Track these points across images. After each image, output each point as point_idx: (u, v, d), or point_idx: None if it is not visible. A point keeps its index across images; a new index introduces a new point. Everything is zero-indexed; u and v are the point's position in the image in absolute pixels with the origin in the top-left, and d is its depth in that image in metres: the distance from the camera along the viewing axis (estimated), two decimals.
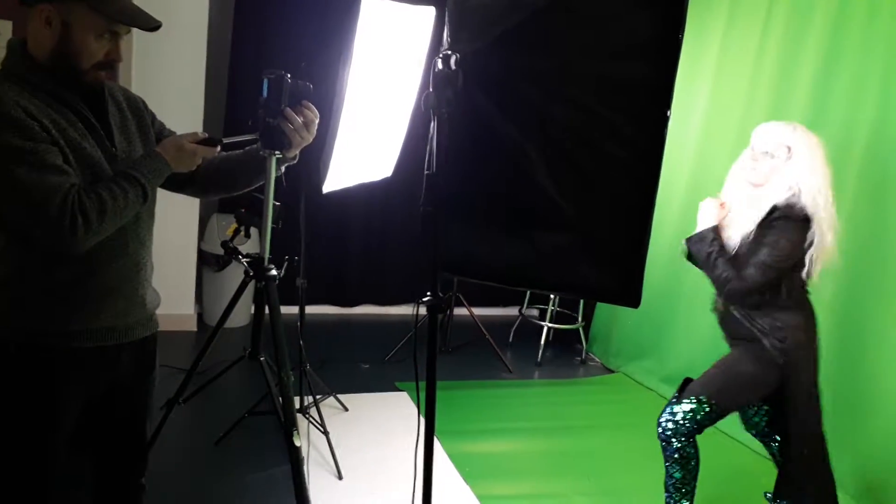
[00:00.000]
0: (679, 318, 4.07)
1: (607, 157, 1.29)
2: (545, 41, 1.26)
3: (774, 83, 3.56)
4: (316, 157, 2.53)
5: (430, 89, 1.24)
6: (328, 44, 4.04)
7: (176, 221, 4.00)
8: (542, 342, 4.56)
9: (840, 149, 2.95)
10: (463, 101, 1.25)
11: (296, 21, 4.24)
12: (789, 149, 2.26)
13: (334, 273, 4.77)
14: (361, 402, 3.52)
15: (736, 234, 2.31)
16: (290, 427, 1.98)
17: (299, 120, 1.78)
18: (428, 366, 1.34)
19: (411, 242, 4.73)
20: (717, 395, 2.33)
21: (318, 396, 3.14)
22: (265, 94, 1.81)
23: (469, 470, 3.00)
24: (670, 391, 3.98)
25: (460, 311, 4.64)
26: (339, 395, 3.47)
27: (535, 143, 1.27)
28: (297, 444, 1.98)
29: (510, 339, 4.85)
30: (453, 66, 1.24)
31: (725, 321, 2.44)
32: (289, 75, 1.81)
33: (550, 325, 4.66)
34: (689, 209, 4.09)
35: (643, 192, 1.30)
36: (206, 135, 1.65)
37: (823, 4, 3.32)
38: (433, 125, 1.27)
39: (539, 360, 4.53)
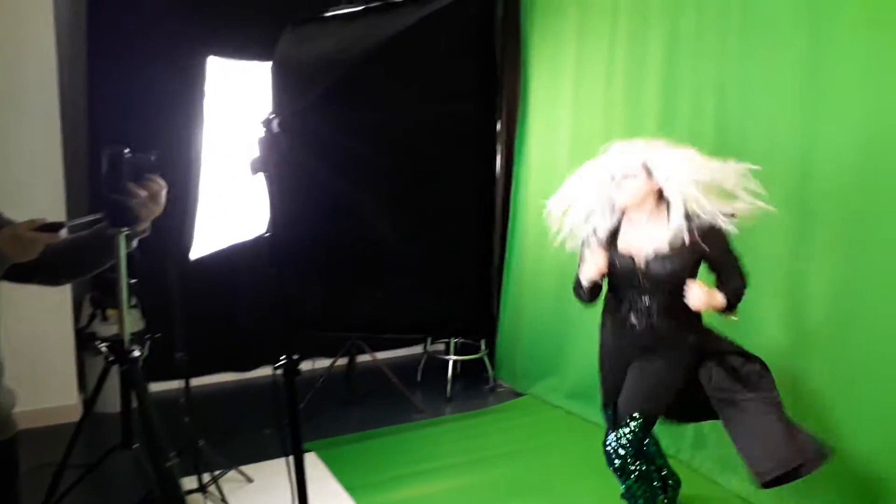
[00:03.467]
0: (574, 333, 4.19)
1: (442, 198, 1.32)
2: (366, 94, 1.28)
3: (626, 101, 3.78)
4: (182, 224, 2.46)
5: (256, 154, 1.23)
6: (184, 105, 3.96)
7: (47, 306, 3.75)
8: (450, 376, 4.56)
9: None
10: (293, 162, 1.25)
11: (151, 83, 4.12)
12: (646, 166, 2.40)
13: (226, 338, 4.59)
14: (267, 471, 3.37)
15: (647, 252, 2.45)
16: None
17: (143, 193, 1.73)
18: (292, 432, 1.30)
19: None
20: (650, 407, 2.47)
21: (216, 472, 2.99)
22: (104, 170, 1.75)
23: None
24: (577, 406, 4.10)
25: (365, 358, 4.57)
26: (241, 467, 3.31)
27: (369, 194, 1.28)
28: None
29: (419, 378, 4.82)
30: (276, 130, 1.23)
31: (643, 335, 2.52)
32: (127, 149, 1.75)
33: (455, 357, 4.67)
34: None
35: (481, 227, 1.33)
36: (46, 220, 1.57)
37: (657, 24, 3.57)
38: (266, 188, 1.26)
39: (449, 394, 4.53)
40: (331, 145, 1.28)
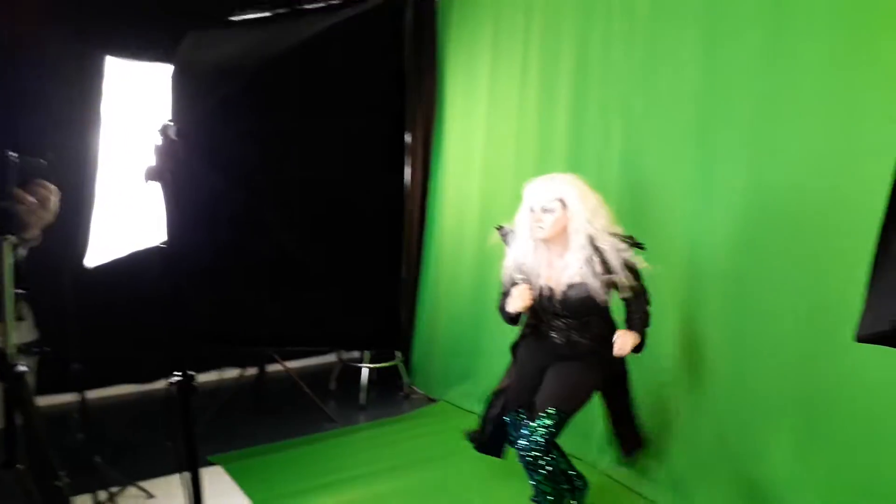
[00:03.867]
0: (489, 339, 4.25)
1: (349, 209, 1.32)
2: (270, 102, 1.26)
3: (539, 112, 3.89)
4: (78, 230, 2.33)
5: (152, 162, 1.19)
6: (80, 107, 3.76)
7: None
8: (364, 384, 4.53)
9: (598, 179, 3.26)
10: (190, 171, 1.21)
11: (46, 84, 3.89)
12: (562, 200, 2.56)
13: (124, 349, 4.36)
14: (169, 486, 3.24)
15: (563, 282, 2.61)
16: None
17: (32, 199, 1.64)
18: (187, 449, 1.26)
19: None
20: (566, 404, 2.59)
21: (113, 489, 2.85)
22: None
23: None
24: None
25: (276, 367, 4.47)
26: (141, 482, 3.17)
27: (271, 206, 1.26)
28: None
29: (332, 387, 4.76)
30: (173, 137, 1.20)
31: (562, 347, 2.69)
32: (13, 153, 1.65)
33: (370, 365, 4.64)
34: (481, 240, 4.34)
35: (390, 239, 1.33)
36: None
37: (569, 42, 3.69)
38: (161, 197, 1.21)
39: (363, 402, 4.49)
40: (232, 155, 1.25)
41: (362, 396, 4.50)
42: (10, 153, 1.64)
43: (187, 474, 1.28)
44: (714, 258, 2.98)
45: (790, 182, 2.71)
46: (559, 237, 2.60)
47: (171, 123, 1.20)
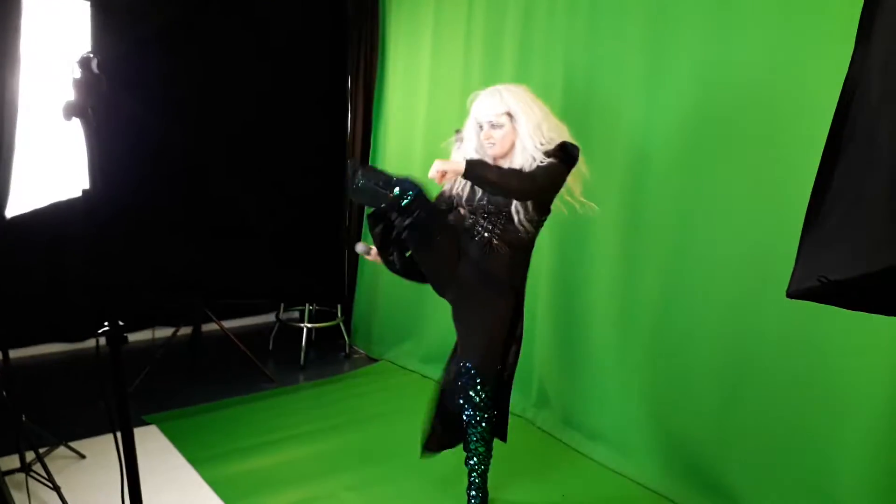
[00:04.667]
0: (429, 298, 4.22)
1: (287, 158, 1.26)
2: (200, 40, 1.18)
3: (484, 61, 3.79)
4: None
5: (71, 98, 1.10)
6: None
7: None
8: (304, 344, 4.48)
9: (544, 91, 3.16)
10: (115, 109, 1.13)
11: None
12: (509, 114, 2.45)
13: (50, 306, 4.18)
14: (101, 445, 3.14)
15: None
16: None
17: None
18: (119, 405, 1.20)
19: None
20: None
21: (42, 449, 2.74)
22: None
23: (231, 492, 2.84)
24: (430, 370, 4.17)
25: (211, 326, 4.36)
26: (72, 443, 3.06)
27: (204, 147, 1.18)
28: None
29: (270, 347, 4.69)
30: (96, 70, 1.11)
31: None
32: None
33: (310, 325, 4.58)
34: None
35: (331, 191, 1.29)
36: None
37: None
38: (83, 136, 1.13)
39: (302, 362, 4.45)
40: (161, 91, 1.17)
41: (302, 356, 4.45)
42: None
43: (118, 433, 1.23)
44: (658, 168, 2.99)
45: (739, 89, 2.67)
46: (510, 152, 2.50)
47: (92, 56, 1.11)
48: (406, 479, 3.00)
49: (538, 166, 2.40)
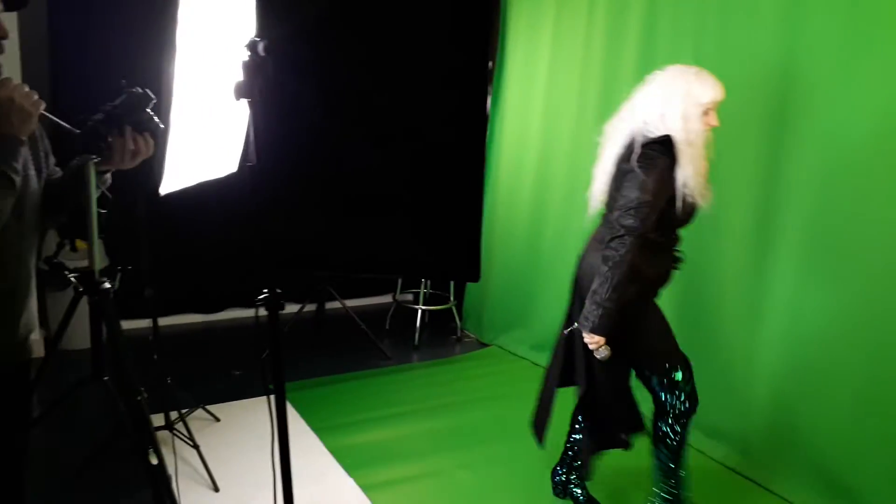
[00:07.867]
0: (541, 286, 4.24)
1: (435, 143, 1.30)
2: (361, 27, 1.24)
3: (604, 62, 3.74)
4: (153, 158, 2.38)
5: (241, 79, 1.19)
6: (152, 36, 3.80)
7: None
8: (418, 325, 4.59)
9: None
10: (278, 90, 1.21)
11: (115, 11, 3.94)
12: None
13: (191, 279, 4.52)
14: (234, 410, 3.38)
15: None
16: (143, 448, 1.86)
17: (131, 145, 1.68)
18: (274, 366, 1.30)
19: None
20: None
21: (183, 410, 2.98)
22: (117, 103, 1.69)
23: (351, 461, 2.97)
24: (540, 357, 4.17)
25: (333, 305, 4.57)
26: (208, 406, 3.31)
27: (359, 130, 1.25)
28: (153, 462, 1.86)
29: (387, 326, 4.85)
30: (262, 53, 1.19)
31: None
32: (153, 101, 1.71)
33: (424, 307, 4.70)
34: (538, 188, 4.27)
35: (471, 171, 1.32)
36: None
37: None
38: (249, 115, 1.22)
39: (416, 343, 4.57)
40: (319, 76, 1.23)
41: (416, 337, 4.57)
42: (153, 99, 1.68)
43: (271, 395, 1.32)
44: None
45: None
46: None
47: (259, 39, 1.19)
48: (516, 461, 3.02)
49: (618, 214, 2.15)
